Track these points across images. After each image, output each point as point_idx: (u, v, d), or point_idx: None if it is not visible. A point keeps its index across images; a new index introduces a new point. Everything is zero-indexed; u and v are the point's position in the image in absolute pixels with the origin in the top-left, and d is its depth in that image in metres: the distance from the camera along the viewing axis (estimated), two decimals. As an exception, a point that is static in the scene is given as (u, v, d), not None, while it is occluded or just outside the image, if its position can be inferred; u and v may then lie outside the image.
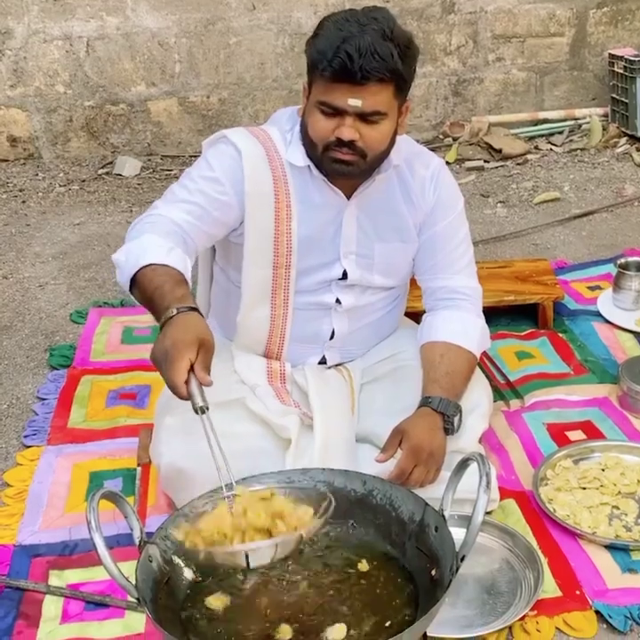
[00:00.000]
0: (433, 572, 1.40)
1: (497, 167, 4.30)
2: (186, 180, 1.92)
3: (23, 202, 4.06)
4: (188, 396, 1.47)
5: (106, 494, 1.37)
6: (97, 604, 1.82)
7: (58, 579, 1.89)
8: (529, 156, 4.37)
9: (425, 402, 1.93)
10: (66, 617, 1.79)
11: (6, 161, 4.47)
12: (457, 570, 1.34)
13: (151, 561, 1.40)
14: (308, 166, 1.91)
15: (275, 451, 1.88)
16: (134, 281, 1.70)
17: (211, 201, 1.87)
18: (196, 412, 1.47)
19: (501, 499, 2.01)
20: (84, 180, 4.28)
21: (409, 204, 2.01)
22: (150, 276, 1.67)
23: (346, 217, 1.97)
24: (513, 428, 2.29)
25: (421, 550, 1.45)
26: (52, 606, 1.82)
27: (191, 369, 1.48)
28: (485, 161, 4.37)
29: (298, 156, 1.91)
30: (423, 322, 2.12)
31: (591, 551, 1.88)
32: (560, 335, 2.72)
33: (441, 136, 4.70)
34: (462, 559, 1.33)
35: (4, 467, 2.25)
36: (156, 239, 1.75)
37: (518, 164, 4.31)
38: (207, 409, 1.47)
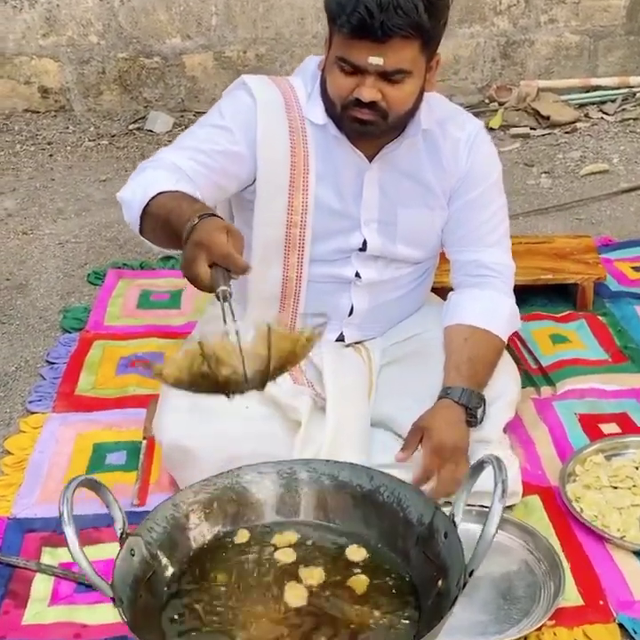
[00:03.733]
0: (439, 583, 1.28)
1: (543, 135, 4.09)
2: (196, 127, 1.80)
3: (50, 155, 3.95)
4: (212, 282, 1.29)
5: (84, 482, 1.26)
6: (88, 585, 1.73)
7: (51, 556, 1.80)
8: (578, 125, 4.15)
9: (445, 393, 1.80)
10: (55, 598, 1.70)
11: (37, 112, 4.36)
12: (465, 585, 1.21)
13: (133, 555, 1.29)
14: (326, 125, 1.77)
15: (283, 434, 1.77)
16: (146, 215, 1.56)
17: (220, 149, 1.74)
18: (218, 299, 1.28)
19: (525, 494, 1.87)
20: (114, 135, 4.16)
21: (438, 169, 1.85)
22: (162, 202, 1.52)
23: (367, 180, 1.83)
24: (542, 417, 2.14)
25: (428, 557, 1.32)
26: (41, 586, 1.73)
27: (215, 265, 1.30)
28: (532, 128, 4.16)
29: (317, 112, 1.77)
30: (449, 300, 1.97)
31: (619, 557, 1.74)
32: (599, 318, 2.54)
33: (486, 100, 4.49)
34: (471, 574, 1.21)
35: (6, 433, 2.16)
36: (161, 172, 1.63)
37: (566, 132, 4.10)
38: (230, 295, 1.27)
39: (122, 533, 1.29)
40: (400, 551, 1.38)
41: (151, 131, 4.21)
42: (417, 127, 1.78)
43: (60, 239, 3.16)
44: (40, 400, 2.26)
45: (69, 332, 2.58)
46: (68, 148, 4.04)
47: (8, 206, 3.43)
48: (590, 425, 2.11)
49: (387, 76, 1.63)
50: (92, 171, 3.76)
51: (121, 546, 1.29)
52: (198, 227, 1.35)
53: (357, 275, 1.90)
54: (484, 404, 1.80)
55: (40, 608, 1.68)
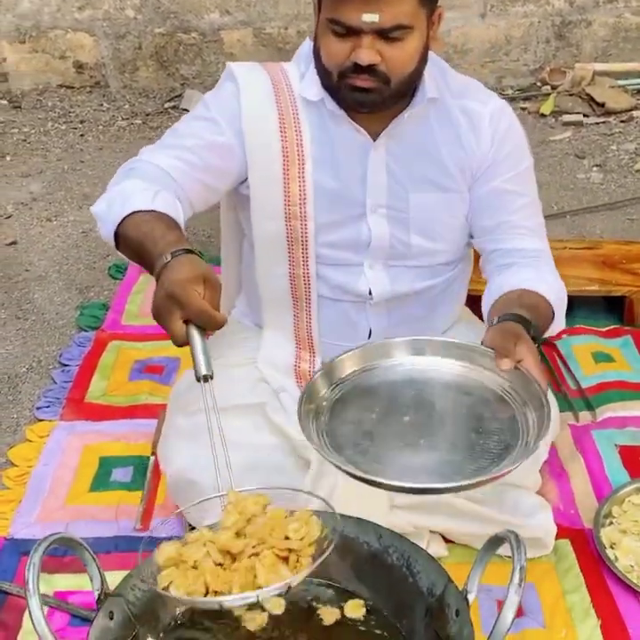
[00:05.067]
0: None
1: (597, 123, 3.87)
2: (180, 123, 1.67)
3: (81, 135, 3.85)
4: (192, 356, 1.23)
5: (58, 540, 1.14)
6: (83, 619, 1.63)
7: (46, 584, 1.70)
8: (635, 113, 3.92)
9: (510, 317, 1.47)
10: (47, 631, 1.61)
11: (72, 88, 4.26)
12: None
13: (112, 618, 1.18)
14: (322, 99, 1.60)
15: (293, 469, 1.64)
16: (119, 234, 1.45)
17: (205, 144, 1.60)
18: (198, 380, 1.23)
19: (556, 537, 1.72)
20: (148, 114, 4.04)
21: (454, 146, 1.65)
22: (136, 223, 1.42)
23: (372, 161, 1.64)
24: (579, 447, 1.98)
25: (438, 634, 1.19)
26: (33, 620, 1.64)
27: (189, 322, 1.23)
28: (585, 115, 3.94)
29: (311, 88, 1.61)
30: (487, 289, 1.70)
31: (654, 616, 1.59)
32: (647, 335, 2.37)
33: (539, 83, 4.28)
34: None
35: (12, 441, 2.08)
36: (139, 183, 1.50)
37: (622, 121, 3.87)
38: (211, 378, 1.22)
39: (99, 594, 1.18)
40: (405, 623, 1.24)
41: (186, 110, 4.07)
42: (422, 96, 1.60)
43: (84, 227, 3.05)
44: (48, 406, 2.17)
45: (85, 331, 2.48)
46: (100, 126, 3.93)
47: (34, 190, 3.33)
48: (631, 458, 1.95)
49: (384, 34, 1.45)
50: (122, 152, 3.64)
51: (98, 608, 1.17)
52: (171, 269, 1.27)
53: (370, 292, 1.74)
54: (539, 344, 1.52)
55: (31, 641, 1.59)
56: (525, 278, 1.62)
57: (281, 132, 1.61)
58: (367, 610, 1.29)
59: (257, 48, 4.21)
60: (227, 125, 1.61)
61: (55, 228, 3.05)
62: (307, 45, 1.65)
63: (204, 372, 1.22)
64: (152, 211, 1.42)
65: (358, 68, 1.49)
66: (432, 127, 1.65)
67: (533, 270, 1.65)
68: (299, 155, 1.62)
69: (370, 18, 1.43)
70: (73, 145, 3.76)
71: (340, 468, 1.24)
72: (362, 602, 1.30)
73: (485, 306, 1.65)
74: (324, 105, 1.61)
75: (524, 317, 1.47)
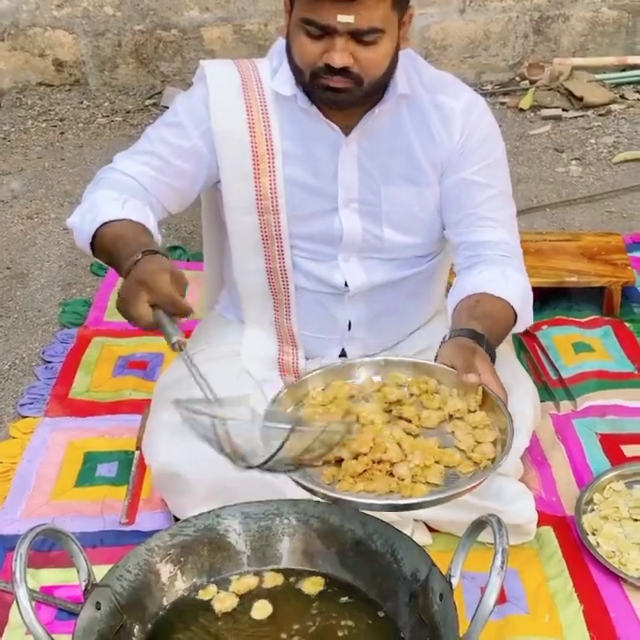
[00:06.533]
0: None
1: (576, 117, 3.89)
2: (150, 129, 1.69)
3: (61, 133, 3.83)
4: (157, 327, 1.28)
5: (44, 531, 1.14)
6: (70, 612, 1.64)
7: (32, 579, 1.70)
8: (613, 107, 3.94)
9: (463, 333, 1.47)
10: (34, 626, 1.61)
11: (52, 86, 4.24)
12: (457, 661, 1.09)
13: (99, 608, 1.18)
14: (295, 96, 1.61)
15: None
16: (94, 245, 1.52)
17: (172, 149, 1.64)
18: (173, 348, 1.26)
19: (537, 525, 1.73)
20: (128, 112, 4.03)
21: (426, 141, 1.66)
22: (108, 233, 1.48)
23: (343, 157, 1.65)
24: (560, 436, 2.00)
25: (422, 618, 1.20)
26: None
27: (156, 306, 1.29)
28: (564, 109, 3.96)
29: (284, 84, 1.61)
30: (452, 288, 1.71)
31: (636, 600, 1.61)
32: (626, 325, 2.38)
33: (517, 78, 4.29)
34: (465, 648, 1.09)
35: (-4, 438, 2.07)
36: (109, 193, 1.55)
37: (600, 114, 3.89)
38: (184, 345, 1.26)
39: (87, 585, 1.18)
40: (391, 606, 1.26)
41: (167, 107, 4.05)
42: (393, 91, 1.60)
43: (65, 225, 3.03)
44: (32, 403, 2.17)
45: (68, 328, 2.48)
46: (81, 124, 3.91)
47: (14, 188, 3.32)
48: (612, 446, 1.97)
49: (358, 37, 1.46)
50: (102, 150, 3.63)
51: (85, 599, 1.18)
52: (140, 264, 1.32)
53: (346, 284, 1.75)
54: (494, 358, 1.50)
55: (18, 636, 1.59)
56: (487, 278, 1.62)
57: (249, 127, 1.63)
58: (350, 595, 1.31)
59: (237, 45, 4.21)
60: (193, 128, 1.63)
61: (36, 226, 3.04)
62: (281, 42, 1.65)
63: (177, 337, 1.25)
64: (122, 219, 1.48)
65: (331, 70, 1.49)
66: (404, 122, 1.66)
67: (497, 269, 1.65)
68: (268, 149, 1.64)
69: (345, 19, 1.43)
70: (53, 143, 3.74)
71: (312, 491, 1.24)
72: (320, 579, 1.32)
73: (449, 306, 1.66)
74: (296, 100, 1.62)
75: (476, 332, 1.47)
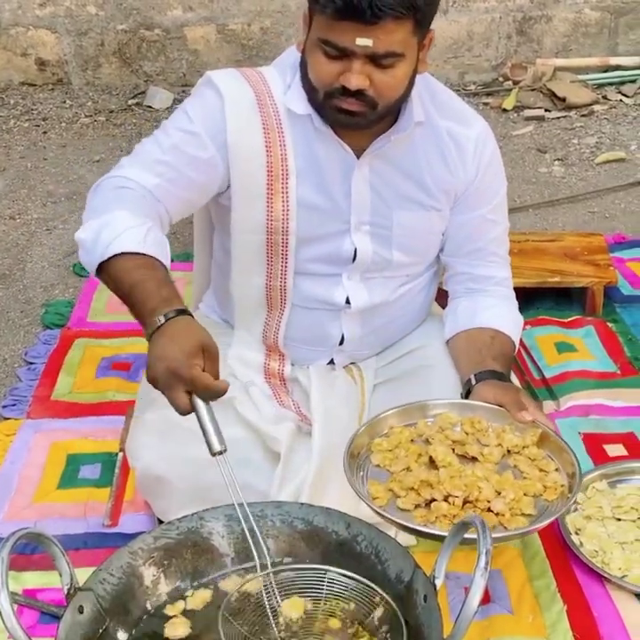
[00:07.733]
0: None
1: (559, 117, 3.91)
2: (161, 133, 1.62)
3: (44, 132, 3.81)
4: (202, 432, 1.26)
5: (26, 536, 1.14)
6: (53, 616, 1.63)
7: (14, 582, 1.69)
8: (595, 107, 3.97)
9: (493, 375, 1.65)
10: (16, 629, 1.60)
11: (34, 85, 4.22)
12: (441, 663, 1.09)
13: (82, 612, 1.18)
14: (310, 115, 1.59)
15: (263, 463, 1.64)
16: (104, 269, 1.44)
17: (188, 160, 1.58)
18: (213, 455, 1.27)
19: (521, 525, 1.75)
20: (111, 111, 4.02)
21: (439, 168, 1.67)
22: (126, 269, 1.40)
23: (355, 178, 1.64)
24: (543, 436, 2.01)
25: (407, 621, 1.20)
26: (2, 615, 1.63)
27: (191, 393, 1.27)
28: (547, 110, 3.98)
29: (298, 101, 1.59)
30: (456, 306, 1.81)
31: (619, 600, 1.61)
32: (609, 325, 2.40)
33: (500, 79, 4.32)
34: (449, 651, 1.09)
35: (-22, 440, 2.05)
36: (129, 218, 1.45)
37: (583, 115, 3.92)
38: (225, 450, 1.26)
39: (69, 589, 1.18)
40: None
41: (150, 106, 4.07)
42: (409, 120, 1.60)
43: (48, 225, 3.03)
44: (14, 404, 2.16)
45: (51, 328, 2.46)
46: (63, 124, 3.90)
47: (-4, 188, 3.31)
48: (595, 446, 1.98)
49: (376, 60, 1.45)
50: (85, 150, 3.62)
51: (68, 603, 1.17)
52: (168, 336, 1.29)
53: (348, 301, 1.74)
54: None
55: (-1, 640, 1.58)
56: (497, 314, 1.78)
57: (266, 146, 1.60)
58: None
59: (220, 44, 4.21)
60: (210, 140, 1.58)
61: (19, 226, 3.03)
62: (292, 54, 1.62)
63: (217, 448, 1.25)
64: (143, 254, 1.41)
65: (346, 92, 1.48)
66: (417, 148, 1.66)
67: (504, 306, 1.81)
68: (282, 169, 1.61)
69: (364, 42, 1.42)
70: (36, 142, 3.73)
71: (399, 525, 1.39)
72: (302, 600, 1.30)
73: (452, 326, 1.80)
74: (311, 120, 1.60)
75: (502, 373, 1.66)
